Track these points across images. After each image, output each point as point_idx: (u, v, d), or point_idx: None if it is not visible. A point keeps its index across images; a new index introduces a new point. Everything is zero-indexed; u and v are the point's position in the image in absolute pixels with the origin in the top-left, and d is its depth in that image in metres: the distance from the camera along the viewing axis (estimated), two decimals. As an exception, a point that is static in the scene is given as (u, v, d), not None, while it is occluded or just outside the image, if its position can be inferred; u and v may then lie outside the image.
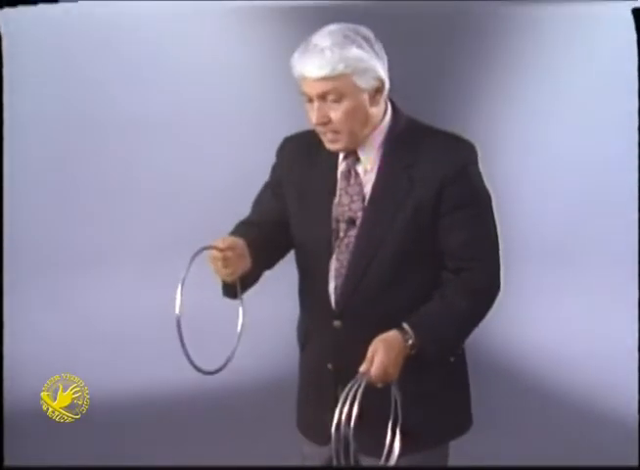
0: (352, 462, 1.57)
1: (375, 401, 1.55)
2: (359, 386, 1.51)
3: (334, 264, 1.69)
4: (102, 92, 4.12)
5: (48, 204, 4.13)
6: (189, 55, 4.20)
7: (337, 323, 1.70)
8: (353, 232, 1.67)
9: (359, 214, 1.66)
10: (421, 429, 1.68)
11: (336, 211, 1.69)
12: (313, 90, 1.58)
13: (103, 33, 4.09)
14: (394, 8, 4.14)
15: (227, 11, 4.19)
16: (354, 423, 1.49)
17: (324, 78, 1.56)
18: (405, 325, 1.60)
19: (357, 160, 1.68)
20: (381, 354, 1.55)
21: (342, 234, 1.68)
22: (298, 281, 1.82)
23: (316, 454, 1.83)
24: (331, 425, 1.67)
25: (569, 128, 4.37)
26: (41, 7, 3.80)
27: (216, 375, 1.79)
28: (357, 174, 1.68)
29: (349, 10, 4.12)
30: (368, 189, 1.67)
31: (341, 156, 1.70)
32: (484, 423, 3.56)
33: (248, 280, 1.70)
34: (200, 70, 4.23)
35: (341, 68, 1.55)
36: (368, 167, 1.67)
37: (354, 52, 1.56)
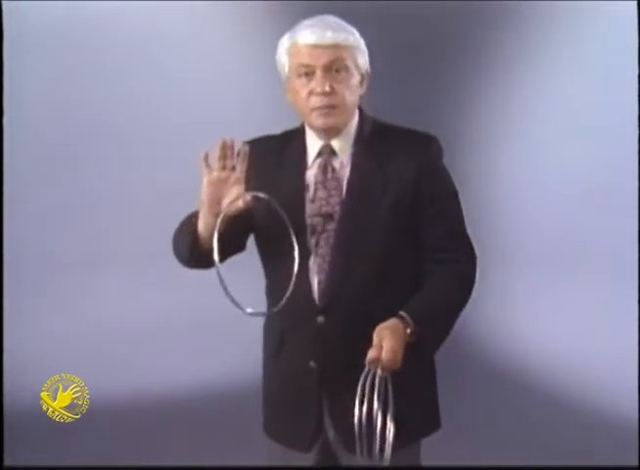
0: (377, 459, 1.54)
1: (355, 398, 1.54)
2: (374, 375, 1.50)
3: (314, 260, 1.70)
4: (102, 95, 4.13)
5: (48, 205, 4.13)
6: (189, 55, 4.20)
7: (320, 319, 1.70)
8: (331, 226, 1.69)
9: (337, 209, 1.68)
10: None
11: (310, 206, 1.70)
12: (320, 59, 1.63)
13: (102, 31, 4.10)
14: (392, 5, 4.14)
15: (225, 10, 4.20)
16: (373, 416, 1.48)
17: (335, 46, 1.63)
18: (404, 314, 1.61)
19: (333, 154, 1.71)
20: (389, 340, 1.54)
21: (319, 229, 1.69)
22: (270, 281, 1.80)
23: (293, 461, 1.81)
24: (315, 429, 1.71)
25: (568, 130, 4.38)
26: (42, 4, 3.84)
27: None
28: (334, 169, 1.71)
29: (348, 8, 4.12)
30: (344, 184, 1.70)
31: (312, 153, 1.73)
32: (484, 423, 3.57)
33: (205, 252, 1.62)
34: (200, 71, 4.23)
35: (351, 39, 1.65)
36: (344, 161, 1.71)
37: (356, 31, 1.68)
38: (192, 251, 1.67)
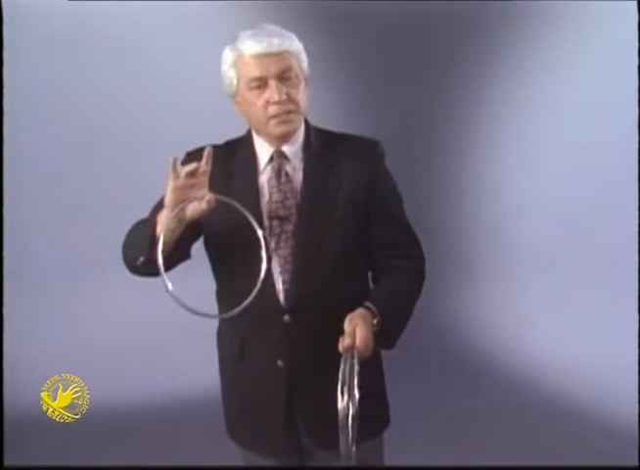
0: (355, 450, 1.52)
1: (326, 392, 1.54)
2: (352, 363, 1.50)
3: (276, 261, 1.72)
4: (104, 96, 4.12)
5: (48, 207, 4.13)
6: (190, 55, 4.19)
7: (287, 318, 1.72)
8: (289, 228, 1.72)
9: (293, 211, 1.72)
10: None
11: (267, 210, 1.73)
12: (272, 69, 1.64)
13: (103, 31, 4.10)
14: (396, 5, 4.13)
15: (226, 10, 4.19)
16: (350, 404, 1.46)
17: (282, 53, 1.64)
18: (370, 304, 1.65)
19: (285, 159, 1.74)
20: (362, 328, 1.57)
21: (277, 231, 1.72)
22: (227, 285, 1.79)
23: (258, 463, 1.84)
24: (286, 429, 1.74)
25: (568, 131, 4.37)
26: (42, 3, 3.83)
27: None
28: (287, 173, 1.74)
29: (350, 8, 4.12)
30: (298, 187, 1.73)
31: (263, 159, 1.75)
32: (484, 424, 3.57)
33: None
34: (201, 72, 4.20)
35: (295, 45, 1.68)
36: (296, 166, 1.74)
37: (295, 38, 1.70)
38: (150, 254, 1.61)
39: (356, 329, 1.57)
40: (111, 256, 4.27)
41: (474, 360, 4.09)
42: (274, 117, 1.67)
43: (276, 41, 1.63)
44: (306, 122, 1.79)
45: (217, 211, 1.61)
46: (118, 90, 4.14)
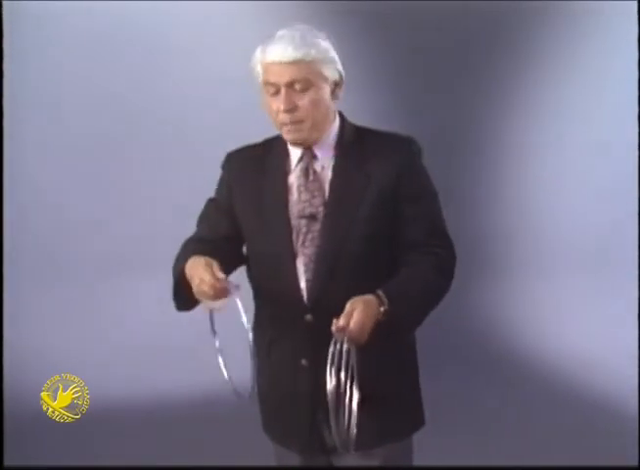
0: (353, 437, 1.53)
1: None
2: (342, 345, 1.49)
3: (301, 260, 1.73)
4: (107, 98, 4.10)
5: (49, 210, 4.11)
6: (198, 53, 4.17)
7: (309, 317, 1.73)
8: (316, 227, 1.72)
9: (320, 209, 1.72)
10: (374, 425, 1.70)
11: (295, 208, 1.73)
12: (283, 77, 1.64)
13: (108, 28, 4.08)
14: (403, 5, 4.12)
15: (256, 10, 4.14)
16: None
17: (297, 62, 1.63)
18: (380, 292, 1.63)
19: (314, 158, 1.74)
20: (360, 311, 1.56)
21: (304, 229, 1.72)
22: (256, 286, 1.83)
23: (289, 461, 1.85)
24: (311, 427, 1.75)
25: (567, 131, 4.37)
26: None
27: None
28: (315, 171, 1.74)
29: (355, 9, 4.10)
30: (326, 185, 1.73)
31: (294, 159, 1.75)
32: (486, 423, 3.57)
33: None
34: (211, 71, 4.18)
35: (313, 53, 1.64)
36: (325, 165, 1.74)
37: (322, 42, 1.67)
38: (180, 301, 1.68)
39: (354, 312, 1.56)
40: (111, 256, 4.28)
41: (478, 354, 4.09)
42: (283, 125, 1.69)
43: (290, 51, 1.62)
44: (342, 121, 1.78)
45: (261, 229, 1.72)
46: (121, 92, 4.12)
